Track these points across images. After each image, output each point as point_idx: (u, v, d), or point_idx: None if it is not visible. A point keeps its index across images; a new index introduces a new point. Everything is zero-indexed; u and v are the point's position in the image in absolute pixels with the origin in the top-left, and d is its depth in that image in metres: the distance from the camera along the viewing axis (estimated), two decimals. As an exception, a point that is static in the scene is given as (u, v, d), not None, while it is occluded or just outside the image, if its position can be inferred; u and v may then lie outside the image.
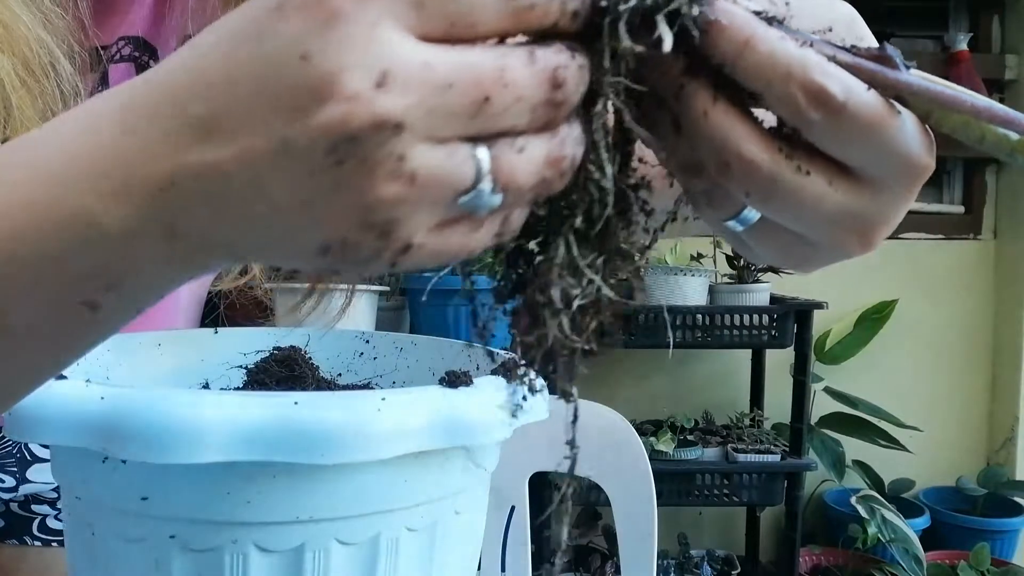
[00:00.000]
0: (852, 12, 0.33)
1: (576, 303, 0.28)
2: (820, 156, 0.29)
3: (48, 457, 0.72)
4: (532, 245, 0.29)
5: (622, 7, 0.26)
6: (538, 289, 0.28)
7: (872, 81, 0.28)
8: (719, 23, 0.27)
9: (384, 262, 0.26)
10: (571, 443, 0.29)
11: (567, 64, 0.26)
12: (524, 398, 0.32)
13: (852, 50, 0.28)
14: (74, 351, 0.33)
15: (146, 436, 0.37)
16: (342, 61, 0.24)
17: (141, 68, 0.66)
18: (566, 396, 0.29)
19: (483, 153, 0.25)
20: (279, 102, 0.24)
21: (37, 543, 0.77)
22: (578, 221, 0.28)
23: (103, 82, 0.65)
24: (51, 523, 0.77)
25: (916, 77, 0.28)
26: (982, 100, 0.28)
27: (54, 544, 0.77)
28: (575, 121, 0.27)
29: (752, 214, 0.32)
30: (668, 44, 0.26)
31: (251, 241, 0.27)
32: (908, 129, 0.29)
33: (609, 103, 0.27)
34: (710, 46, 0.27)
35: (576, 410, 0.29)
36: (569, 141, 0.27)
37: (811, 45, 0.28)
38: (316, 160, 0.24)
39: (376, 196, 0.24)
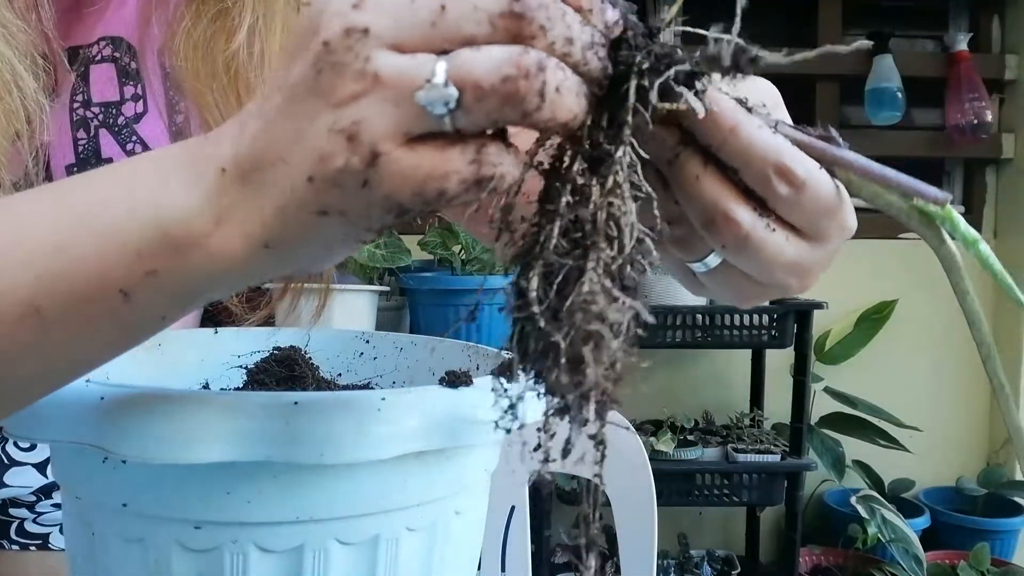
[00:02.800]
0: (773, 88, 0.37)
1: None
2: (780, 218, 0.34)
3: (26, 460, 0.71)
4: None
5: (646, 78, 0.29)
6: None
7: (820, 158, 0.33)
8: (711, 110, 0.31)
9: (357, 175, 0.27)
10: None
11: None
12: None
13: (803, 129, 0.34)
14: (100, 345, 0.34)
15: (146, 436, 0.37)
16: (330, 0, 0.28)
17: (121, 70, 0.64)
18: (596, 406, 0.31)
19: (443, 60, 0.27)
20: (295, 51, 0.29)
21: (15, 547, 0.76)
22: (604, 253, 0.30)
23: (84, 81, 0.63)
24: (29, 527, 0.76)
25: (851, 153, 0.34)
26: (890, 172, 0.34)
27: (32, 548, 0.76)
28: (555, 63, 0.28)
29: (715, 259, 0.37)
30: (702, 111, 0.30)
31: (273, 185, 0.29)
32: (845, 200, 0.34)
33: (626, 153, 0.29)
34: (701, 128, 0.32)
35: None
36: (541, 57, 0.27)
37: (776, 128, 0.32)
38: (307, 82, 0.28)
39: (342, 95, 0.27)
